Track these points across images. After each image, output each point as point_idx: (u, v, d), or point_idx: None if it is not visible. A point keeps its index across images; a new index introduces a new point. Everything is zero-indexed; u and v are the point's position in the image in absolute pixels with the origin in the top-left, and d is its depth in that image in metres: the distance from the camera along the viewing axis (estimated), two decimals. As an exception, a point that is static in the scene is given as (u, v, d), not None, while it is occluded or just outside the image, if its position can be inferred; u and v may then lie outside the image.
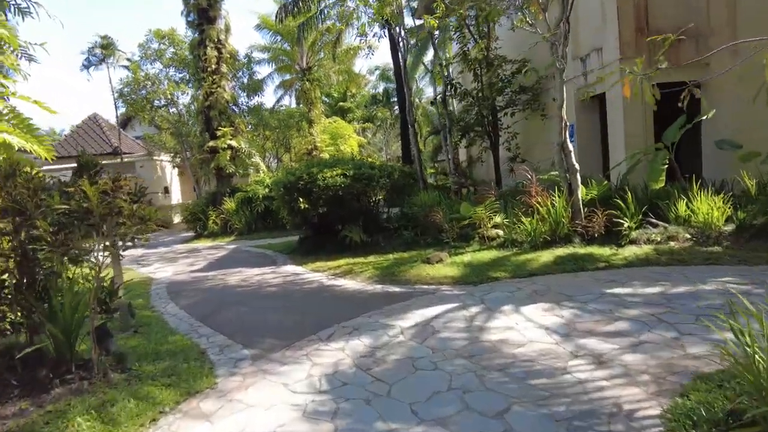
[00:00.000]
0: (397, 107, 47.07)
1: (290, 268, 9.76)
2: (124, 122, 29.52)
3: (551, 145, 13.88)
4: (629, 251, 7.79)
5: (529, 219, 8.88)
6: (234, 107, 19.38)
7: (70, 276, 4.49)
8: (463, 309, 5.76)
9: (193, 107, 20.90)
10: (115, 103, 22.77)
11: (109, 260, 4.53)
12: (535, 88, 14.29)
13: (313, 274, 8.94)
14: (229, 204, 16.79)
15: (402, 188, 11.17)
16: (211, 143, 16.79)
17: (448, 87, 15.19)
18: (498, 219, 9.45)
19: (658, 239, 8.07)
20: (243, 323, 6.23)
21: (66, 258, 3.99)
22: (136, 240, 4.24)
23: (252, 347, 5.21)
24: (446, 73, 15.36)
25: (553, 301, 5.77)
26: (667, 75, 10.59)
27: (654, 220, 8.48)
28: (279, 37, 26.89)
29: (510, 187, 13.85)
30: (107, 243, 4.11)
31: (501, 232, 9.43)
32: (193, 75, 18.49)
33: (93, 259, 4.20)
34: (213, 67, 16.81)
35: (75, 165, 24.22)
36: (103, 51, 21.80)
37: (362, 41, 17.75)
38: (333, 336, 5.28)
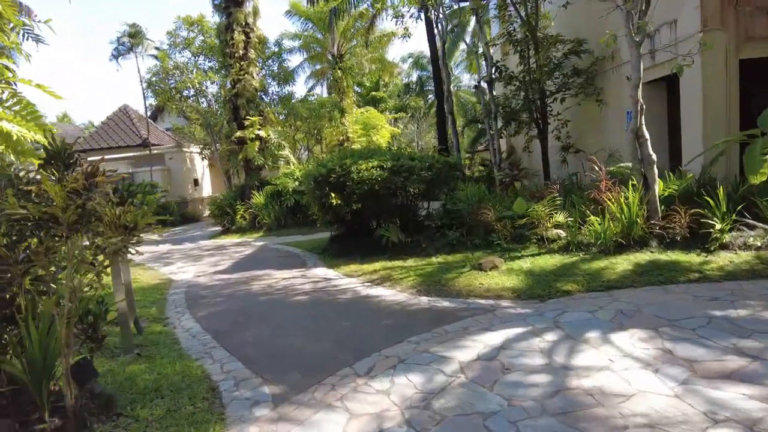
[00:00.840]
0: (431, 96, 45.88)
1: (321, 272, 8.76)
2: (155, 114, 29.18)
3: (607, 133, 12.54)
4: (724, 259, 6.46)
5: (596, 218, 7.64)
6: (263, 96, 18.54)
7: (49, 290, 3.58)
8: (535, 336, 4.61)
9: (222, 96, 20.11)
10: (143, 93, 22.24)
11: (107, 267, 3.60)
12: (590, 70, 12.90)
13: (347, 279, 7.92)
14: (258, 198, 15.96)
15: (444, 181, 10.03)
16: (239, 133, 15.91)
17: (494, 70, 13.90)
18: (560, 217, 8.21)
19: (758, 244, 6.71)
20: (265, 345, 5.24)
21: (27, 279, 3.03)
22: (121, 254, 3.25)
23: (274, 382, 4.19)
24: (490, 54, 14.03)
25: (649, 326, 4.56)
26: (757, 49, 9.20)
27: (752, 221, 7.11)
28: (310, 24, 26.07)
29: (563, 179, 12.60)
30: (82, 258, 3.14)
31: (562, 233, 8.21)
32: (220, 62, 17.61)
33: (66, 279, 3.23)
34: (240, 52, 15.88)
35: (112, 158, 23.89)
36: (131, 40, 21.23)
37: (398, 24, 16.49)
38: (373, 371, 4.22)
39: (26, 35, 7.02)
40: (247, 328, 5.84)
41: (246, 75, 15.93)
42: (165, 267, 11.04)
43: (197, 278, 9.36)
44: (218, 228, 17.31)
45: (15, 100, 6.05)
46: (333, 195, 8.99)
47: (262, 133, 15.92)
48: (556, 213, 8.35)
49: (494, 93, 14.45)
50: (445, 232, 9.33)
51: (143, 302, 7.46)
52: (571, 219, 8.17)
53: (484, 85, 14.16)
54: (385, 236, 9.29)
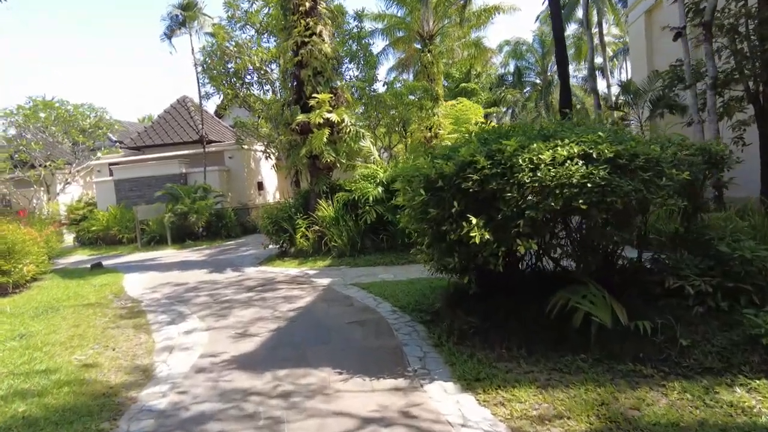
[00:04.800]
0: (528, 89, 39.87)
1: (448, 406, 3.78)
2: (219, 110, 25.78)
3: None
4: None
5: None
6: (337, 71, 14.02)
7: None
8: None
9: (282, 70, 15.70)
10: (197, 78, 18.50)
11: None
12: None
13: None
14: (326, 210, 11.33)
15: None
16: (301, 117, 11.23)
17: (694, 13, 8.42)
18: None
19: None
20: None
21: None
22: None
23: None
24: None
25: None
26: None
27: None
28: (393, 4, 22.03)
29: None
30: None
31: None
32: (280, 22, 13.14)
33: None
34: (307, 5, 11.32)
35: (164, 156, 20.50)
36: (183, 12, 17.51)
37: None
38: None
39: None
40: None
41: (314, 37, 11.32)
42: (167, 327, 6.62)
43: (196, 375, 4.77)
44: (275, 247, 12.90)
45: None
46: (472, 219, 4.06)
47: (333, 116, 11.21)
48: None
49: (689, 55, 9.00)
50: (719, 306, 4.12)
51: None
52: None
53: (691, 36, 8.72)
54: (580, 307, 4.23)
